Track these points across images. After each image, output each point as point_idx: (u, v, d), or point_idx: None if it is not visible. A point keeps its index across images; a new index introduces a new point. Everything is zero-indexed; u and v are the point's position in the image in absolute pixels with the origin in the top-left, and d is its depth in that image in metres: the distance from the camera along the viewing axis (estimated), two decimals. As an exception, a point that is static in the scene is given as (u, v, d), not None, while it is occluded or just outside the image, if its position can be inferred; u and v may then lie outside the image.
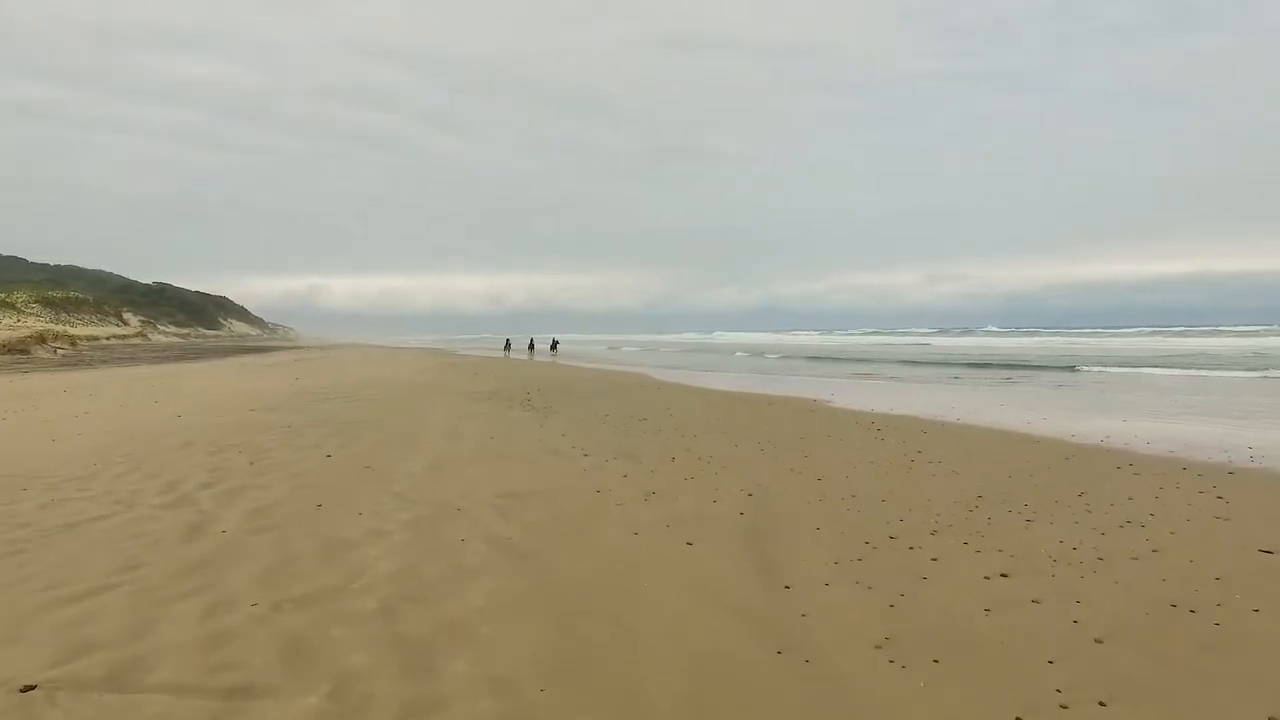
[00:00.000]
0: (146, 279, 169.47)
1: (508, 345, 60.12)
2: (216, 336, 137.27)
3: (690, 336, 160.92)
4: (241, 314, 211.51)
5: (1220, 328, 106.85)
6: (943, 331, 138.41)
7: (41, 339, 49.65)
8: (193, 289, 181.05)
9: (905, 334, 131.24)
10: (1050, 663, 4.11)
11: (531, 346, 55.06)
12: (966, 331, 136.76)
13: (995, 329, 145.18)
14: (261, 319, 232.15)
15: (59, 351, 47.98)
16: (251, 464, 9.66)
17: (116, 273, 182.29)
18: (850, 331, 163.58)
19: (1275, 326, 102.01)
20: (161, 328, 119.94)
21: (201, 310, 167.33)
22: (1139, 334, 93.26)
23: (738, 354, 58.93)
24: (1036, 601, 4.99)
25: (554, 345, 55.63)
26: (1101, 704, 3.69)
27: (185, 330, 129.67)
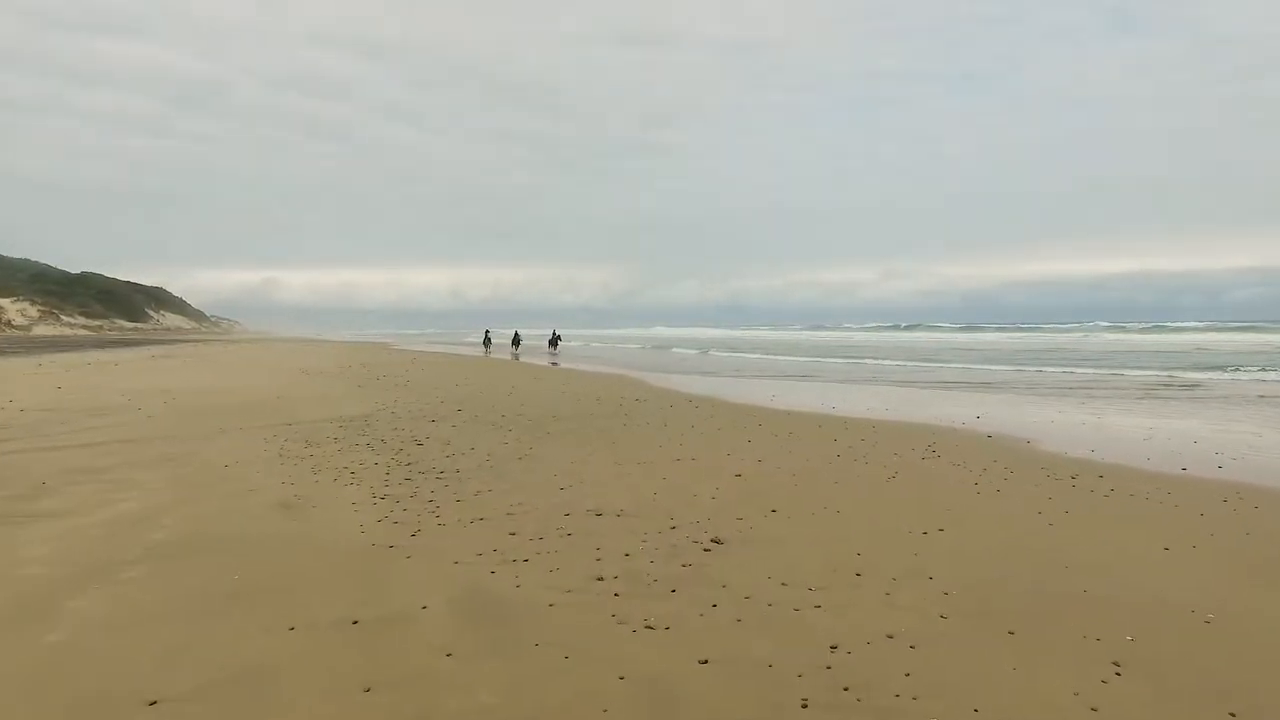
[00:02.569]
0: (78, 269, 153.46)
1: (487, 340, 46.52)
2: (135, 329, 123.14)
3: (640, 332, 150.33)
4: (179, 306, 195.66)
5: (1164, 324, 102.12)
6: (906, 328, 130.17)
7: None
8: (130, 279, 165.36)
9: (866, 329, 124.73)
10: None
11: (516, 342, 41.14)
12: (917, 326, 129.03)
13: (947, 325, 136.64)
14: (201, 312, 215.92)
15: None
16: None
17: (47, 263, 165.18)
18: (810, 328, 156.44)
19: (1209, 322, 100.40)
20: (66, 319, 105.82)
21: (126, 301, 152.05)
22: (1095, 330, 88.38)
23: (707, 351, 50.36)
24: None
25: (554, 341, 40.42)
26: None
27: (98, 322, 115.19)
